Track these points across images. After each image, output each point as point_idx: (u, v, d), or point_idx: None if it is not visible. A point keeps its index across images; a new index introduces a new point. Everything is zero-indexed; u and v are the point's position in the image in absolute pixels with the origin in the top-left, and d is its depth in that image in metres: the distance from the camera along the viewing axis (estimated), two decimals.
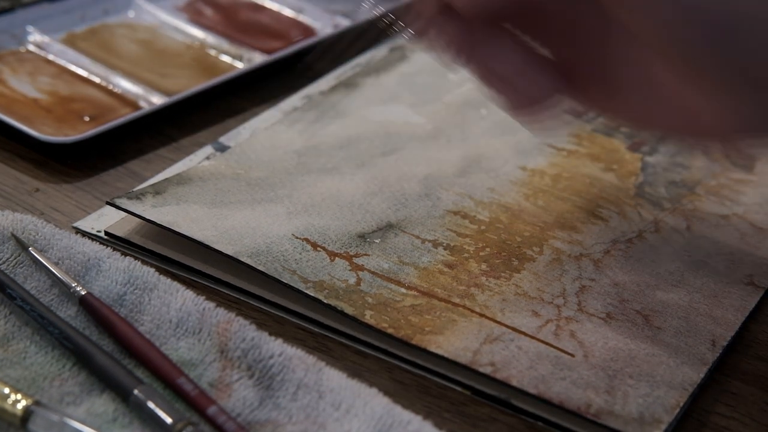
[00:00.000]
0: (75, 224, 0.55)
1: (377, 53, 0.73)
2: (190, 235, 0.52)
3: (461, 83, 0.69)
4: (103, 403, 0.44)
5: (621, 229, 0.56)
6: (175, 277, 0.51)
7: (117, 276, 0.49)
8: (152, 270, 0.49)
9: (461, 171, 0.60)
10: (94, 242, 0.51)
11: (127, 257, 0.50)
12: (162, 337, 0.47)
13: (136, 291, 0.48)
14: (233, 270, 0.52)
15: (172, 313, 0.47)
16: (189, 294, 0.48)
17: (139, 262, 0.50)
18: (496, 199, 0.58)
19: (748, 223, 0.57)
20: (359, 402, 0.44)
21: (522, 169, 0.61)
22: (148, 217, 0.53)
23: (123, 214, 0.54)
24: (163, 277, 0.49)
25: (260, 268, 0.51)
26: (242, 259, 0.51)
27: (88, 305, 0.48)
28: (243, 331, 0.46)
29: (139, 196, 0.54)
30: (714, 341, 0.49)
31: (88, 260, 0.50)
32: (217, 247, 0.51)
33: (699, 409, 0.48)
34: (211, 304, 0.48)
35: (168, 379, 0.45)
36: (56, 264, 0.50)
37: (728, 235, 0.56)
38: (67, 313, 0.48)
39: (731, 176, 0.61)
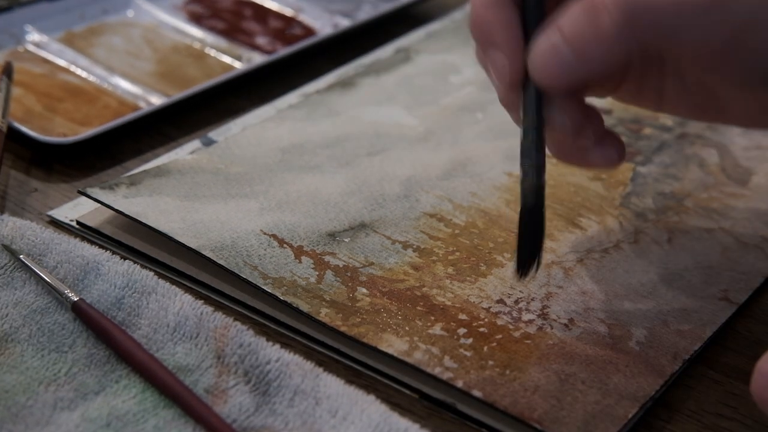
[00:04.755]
0: (49, 212, 0.56)
1: (382, 53, 0.72)
2: (155, 227, 0.52)
3: (462, 86, 0.68)
4: (98, 408, 0.44)
5: (598, 239, 0.55)
6: (143, 268, 0.51)
7: (115, 279, 0.49)
8: (151, 274, 0.49)
9: (445, 174, 0.60)
10: (93, 246, 0.51)
11: (126, 261, 0.50)
12: (159, 341, 0.47)
13: (134, 294, 0.49)
14: (198, 264, 0.52)
15: (169, 317, 0.47)
16: (187, 298, 0.48)
17: (138, 266, 0.50)
18: (476, 203, 0.57)
19: (733, 238, 0.56)
20: (356, 409, 0.44)
21: (508, 175, 0.60)
22: (117, 208, 0.53)
23: (97, 204, 0.54)
24: (161, 281, 0.49)
25: (221, 262, 0.51)
26: (204, 253, 0.51)
27: (80, 311, 0.48)
28: (240, 336, 0.46)
29: (112, 187, 0.55)
30: (676, 354, 0.48)
31: (87, 264, 0.50)
32: (181, 240, 0.51)
33: (700, 410, 0.47)
34: (209, 308, 0.48)
35: (162, 385, 0.45)
36: (54, 268, 0.50)
37: (709, 248, 0.55)
38: (65, 316, 0.48)
39: (724, 190, 0.60)
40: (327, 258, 0.52)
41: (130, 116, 0.63)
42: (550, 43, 0.45)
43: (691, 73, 0.47)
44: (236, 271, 0.50)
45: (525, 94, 0.47)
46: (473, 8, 0.47)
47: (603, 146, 0.49)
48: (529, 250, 0.48)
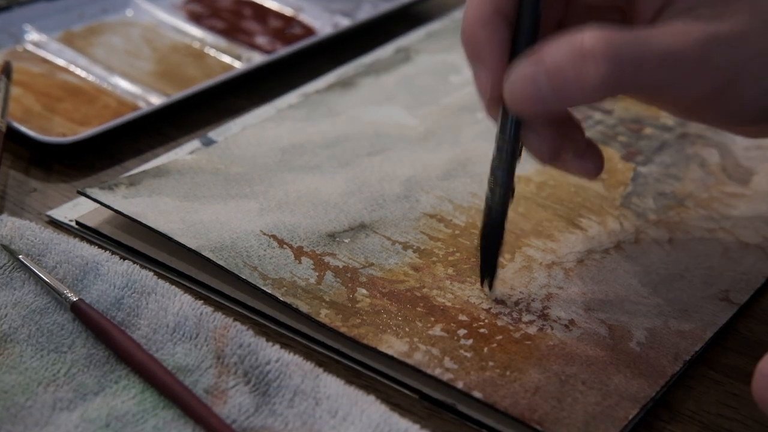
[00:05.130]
0: (49, 212, 0.56)
1: (382, 53, 0.72)
2: (155, 227, 0.52)
3: (462, 86, 0.68)
4: (97, 409, 0.44)
5: (599, 239, 0.55)
6: (143, 268, 0.51)
7: (115, 280, 0.49)
8: (150, 274, 0.49)
9: (446, 174, 0.59)
10: (93, 246, 0.51)
11: (126, 261, 0.50)
12: (159, 341, 0.47)
13: (133, 295, 0.48)
14: (197, 264, 0.52)
15: (169, 317, 0.47)
16: (187, 298, 0.48)
17: (138, 266, 0.50)
18: (477, 204, 0.57)
19: (734, 238, 0.56)
20: (356, 409, 0.44)
21: None
22: (116, 208, 0.53)
23: (96, 204, 0.54)
24: (161, 281, 0.49)
25: (220, 262, 0.50)
26: (204, 253, 0.51)
27: (79, 311, 0.48)
28: (240, 336, 0.46)
29: (111, 187, 0.55)
30: (677, 355, 0.48)
31: (86, 264, 0.50)
32: (180, 240, 0.51)
33: (701, 410, 0.47)
34: (209, 309, 0.47)
35: (161, 386, 0.45)
36: (53, 268, 0.50)
37: (710, 249, 0.55)
38: (64, 317, 0.48)
39: (725, 189, 0.60)
40: (327, 259, 0.52)
41: (130, 116, 0.63)
42: (530, 72, 0.44)
43: (676, 112, 0.49)
44: (236, 272, 0.50)
45: (503, 113, 0.47)
46: (465, 21, 0.47)
47: (582, 159, 0.49)
48: (489, 264, 0.50)
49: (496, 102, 0.46)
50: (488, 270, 0.50)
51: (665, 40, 0.43)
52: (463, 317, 0.49)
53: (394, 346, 0.47)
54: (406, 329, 0.48)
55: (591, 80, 0.43)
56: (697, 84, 0.44)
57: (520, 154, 0.47)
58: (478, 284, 0.51)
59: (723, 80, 0.44)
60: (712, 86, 0.45)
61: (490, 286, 0.50)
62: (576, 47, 0.43)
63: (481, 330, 0.48)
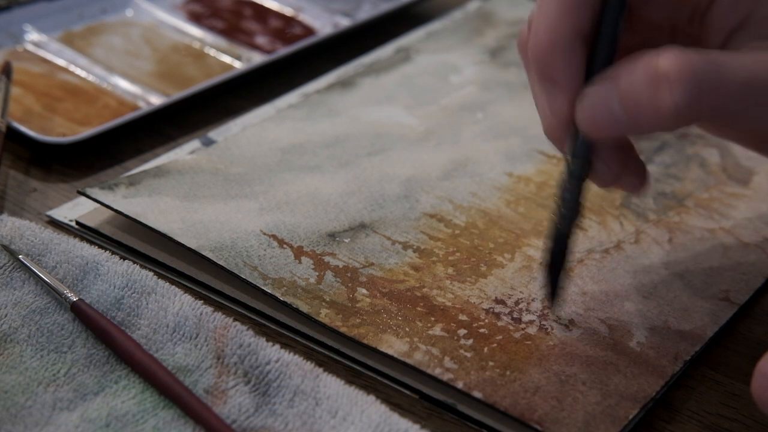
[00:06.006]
0: (49, 212, 0.56)
1: (382, 53, 0.72)
2: (155, 227, 0.52)
3: (462, 86, 0.68)
4: (97, 409, 0.44)
5: (599, 239, 0.55)
6: (143, 268, 0.51)
7: (115, 280, 0.49)
8: (150, 274, 0.49)
9: (446, 174, 0.59)
10: (93, 246, 0.51)
11: (126, 261, 0.50)
12: (159, 341, 0.47)
13: (133, 295, 0.48)
14: (197, 264, 0.52)
15: (169, 317, 0.47)
16: (187, 298, 0.48)
17: (138, 266, 0.50)
18: (477, 203, 0.57)
19: (734, 238, 0.56)
20: (356, 409, 0.44)
21: (508, 175, 0.60)
22: (116, 208, 0.53)
23: (96, 204, 0.54)
24: (161, 281, 0.49)
25: (221, 262, 0.50)
26: (204, 253, 0.51)
27: (79, 311, 0.48)
28: (240, 336, 0.46)
29: (112, 187, 0.55)
30: (677, 355, 0.48)
31: (86, 264, 0.50)
32: (180, 240, 0.51)
33: (701, 410, 0.47)
34: (209, 309, 0.47)
35: (161, 386, 0.45)
36: (53, 268, 0.50)
37: (711, 249, 0.55)
38: (64, 317, 0.48)
39: (725, 189, 0.60)
40: (327, 258, 0.52)
41: (130, 116, 0.63)
42: (603, 95, 0.42)
43: (750, 144, 0.47)
44: (236, 272, 0.50)
45: (574, 135, 0.45)
46: (538, 41, 0.44)
47: (630, 175, 0.48)
48: (553, 283, 0.48)
49: (567, 125, 0.45)
50: (553, 288, 0.48)
51: (746, 66, 0.41)
52: (463, 317, 0.49)
53: (394, 346, 0.47)
54: (406, 329, 0.48)
55: (666, 106, 0.41)
56: None
57: (587, 176, 0.46)
58: (480, 284, 0.51)
59: None
60: None
61: (554, 304, 0.49)
62: (651, 70, 0.41)
63: (481, 330, 0.48)
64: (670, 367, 0.48)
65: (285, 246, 0.52)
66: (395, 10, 0.77)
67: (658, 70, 0.41)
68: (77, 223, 0.55)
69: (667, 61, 0.41)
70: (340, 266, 0.52)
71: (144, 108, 0.64)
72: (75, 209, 0.56)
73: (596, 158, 0.45)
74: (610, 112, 0.42)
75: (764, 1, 0.44)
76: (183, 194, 0.55)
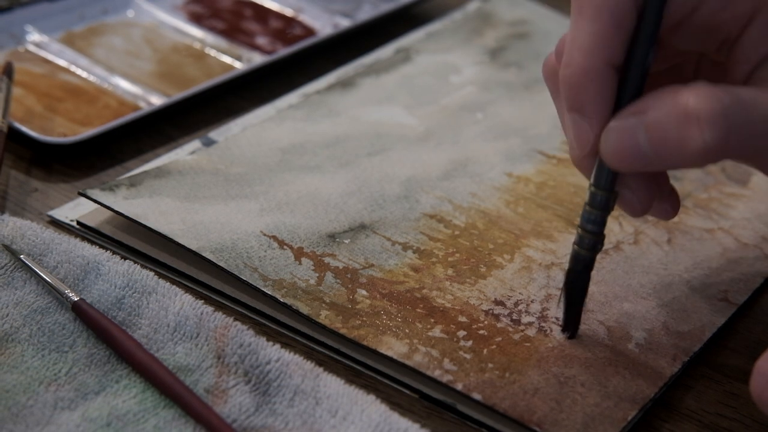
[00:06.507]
0: (50, 213, 0.56)
1: (382, 53, 0.72)
2: (155, 228, 0.52)
3: (462, 86, 0.68)
4: (98, 408, 0.44)
5: None
6: (144, 268, 0.51)
7: (116, 279, 0.49)
8: (151, 274, 0.49)
9: (445, 174, 0.60)
10: (94, 246, 0.51)
11: (127, 261, 0.50)
12: (159, 341, 0.47)
13: (134, 294, 0.49)
14: (198, 265, 0.52)
15: (170, 317, 0.47)
16: (187, 298, 0.48)
17: (138, 266, 0.50)
18: (476, 204, 0.57)
19: (733, 238, 0.56)
20: (356, 409, 0.44)
21: (508, 176, 0.60)
22: (117, 209, 0.53)
23: (97, 204, 0.54)
24: (162, 281, 0.49)
25: (221, 264, 0.51)
26: (204, 255, 0.51)
27: (80, 311, 0.48)
28: (240, 336, 0.46)
29: (112, 188, 0.55)
30: (675, 356, 0.48)
31: (87, 264, 0.50)
32: (181, 241, 0.52)
33: (700, 410, 0.47)
34: (210, 308, 0.48)
35: (162, 385, 0.45)
36: (54, 268, 0.50)
37: (709, 249, 0.55)
38: (65, 316, 0.48)
39: (724, 190, 0.60)
40: (327, 259, 0.52)
41: (131, 116, 0.63)
42: (629, 126, 0.42)
43: None
44: (236, 273, 0.50)
45: (599, 165, 0.44)
46: (571, 69, 0.43)
47: (662, 202, 0.47)
48: (572, 313, 0.48)
49: (594, 155, 0.44)
50: (572, 318, 0.48)
51: None
52: (462, 318, 0.49)
53: (393, 347, 0.47)
54: (406, 330, 0.48)
55: (696, 145, 0.40)
56: None
57: (612, 207, 0.46)
58: (479, 285, 0.51)
59: None
60: None
61: (573, 336, 0.49)
62: (681, 108, 0.40)
63: (481, 331, 0.49)
64: (668, 369, 0.48)
65: (285, 247, 0.53)
66: (395, 10, 0.78)
67: (687, 108, 0.40)
68: (78, 223, 0.55)
69: (697, 99, 0.40)
70: (340, 267, 0.52)
71: (145, 108, 0.64)
72: (76, 209, 0.56)
73: (624, 188, 0.45)
74: (636, 146, 0.42)
75: None
76: (183, 195, 0.55)
